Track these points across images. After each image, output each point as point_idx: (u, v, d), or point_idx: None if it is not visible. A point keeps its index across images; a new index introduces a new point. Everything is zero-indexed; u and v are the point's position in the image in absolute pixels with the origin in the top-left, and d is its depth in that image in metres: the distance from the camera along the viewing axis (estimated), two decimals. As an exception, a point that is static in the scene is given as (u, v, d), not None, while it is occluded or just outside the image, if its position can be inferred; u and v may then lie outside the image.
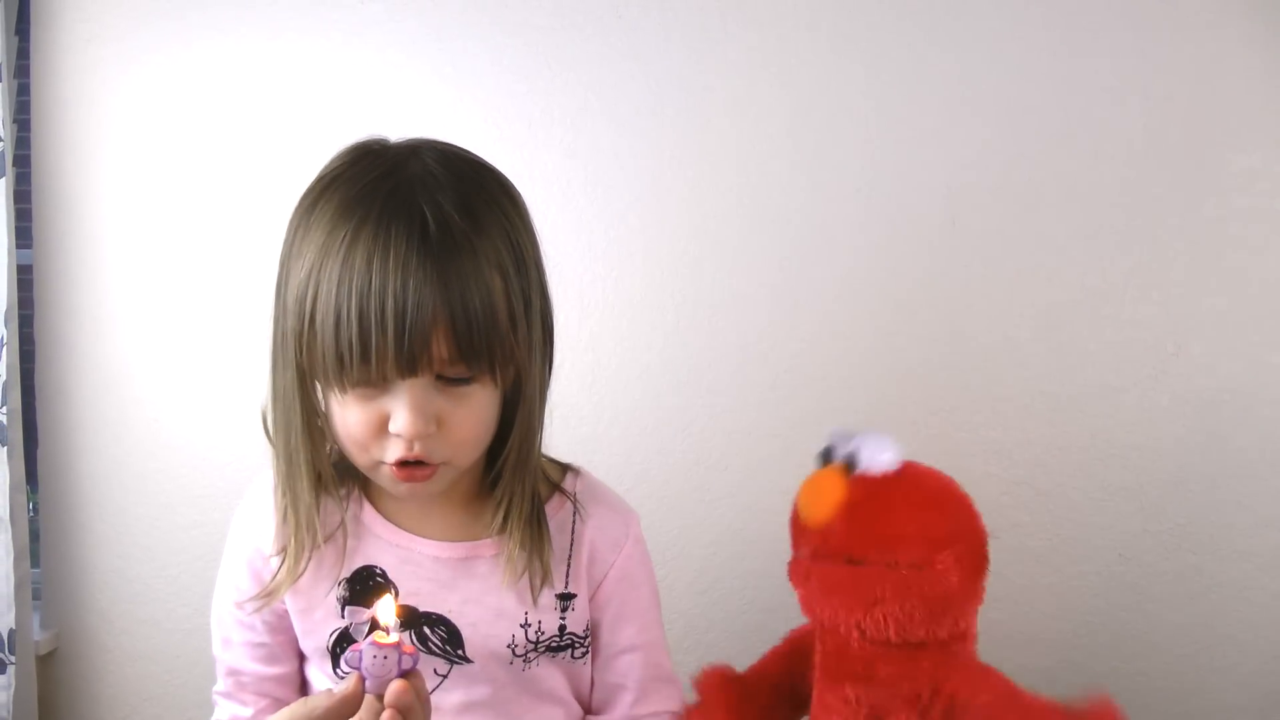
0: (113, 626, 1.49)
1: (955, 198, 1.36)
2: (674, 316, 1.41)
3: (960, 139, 1.36)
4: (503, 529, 0.86)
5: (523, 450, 0.85)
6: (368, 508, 0.89)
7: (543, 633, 0.88)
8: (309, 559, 0.85)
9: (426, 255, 0.75)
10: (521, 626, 0.87)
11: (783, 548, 1.22)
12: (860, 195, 1.38)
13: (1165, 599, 1.36)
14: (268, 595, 0.86)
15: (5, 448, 1.39)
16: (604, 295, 1.41)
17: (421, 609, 0.86)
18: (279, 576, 0.85)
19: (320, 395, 0.82)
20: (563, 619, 0.89)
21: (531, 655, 0.88)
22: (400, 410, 0.77)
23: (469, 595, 0.86)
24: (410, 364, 0.75)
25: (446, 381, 0.78)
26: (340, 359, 0.75)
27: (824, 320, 1.39)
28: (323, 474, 0.85)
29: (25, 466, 1.44)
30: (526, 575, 0.85)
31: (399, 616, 0.71)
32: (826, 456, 1.08)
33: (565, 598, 0.89)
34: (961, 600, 0.98)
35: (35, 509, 1.53)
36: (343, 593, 0.87)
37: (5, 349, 1.39)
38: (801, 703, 1.11)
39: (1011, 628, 1.36)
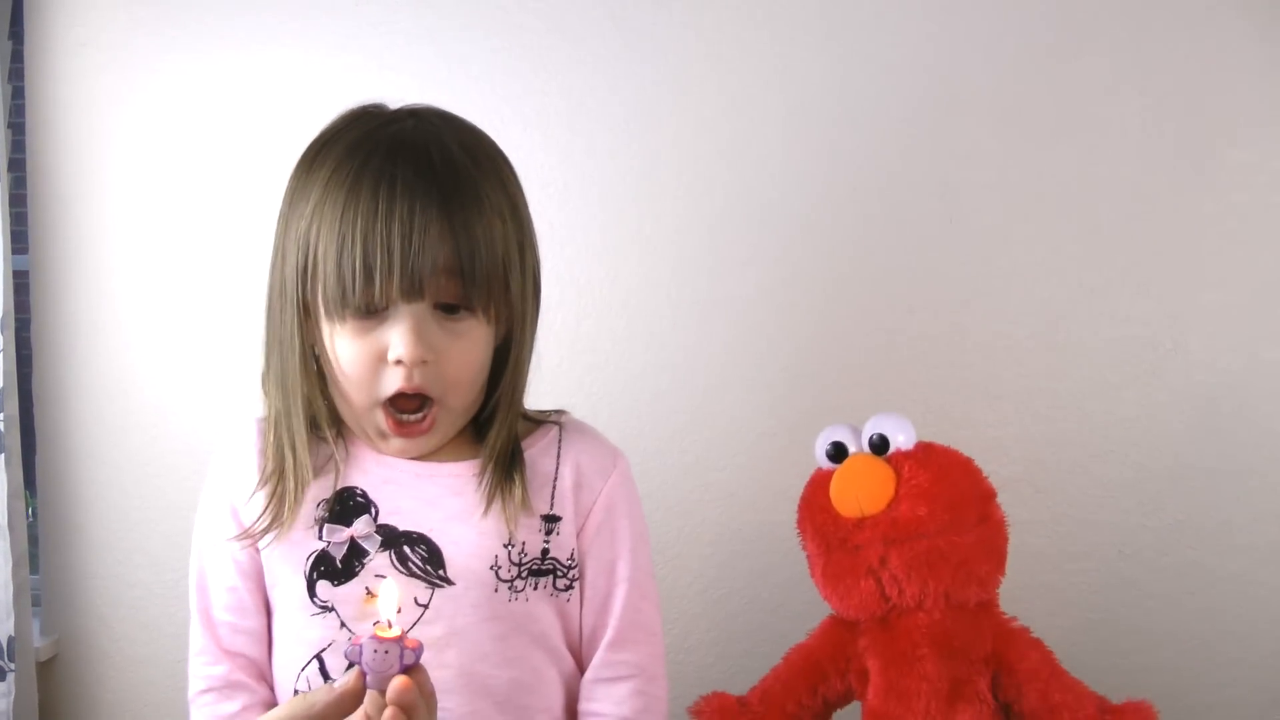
0: (113, 632, 1.49)
1: (952, 195, 1.36)
2: (671, 317, 1.41)
3: (957, 136, 1.36)
4: (486, 458, 0.87)
5: (512, 393, 0.88)
6: (355, 439, 0.89)
7: (525, 554, 0.87)
8: (300, 498, 0.86)
9: (433, 184, 0.78)
10: (505, 546, 0.86)
11: (782, 546, 1.23)
12: (857, 194, 1.37)
13: (1165, 594, 1.36)
14: (259, 534, 0.86)
15: (3, 454, 1.39)
16: (601, 296, 1.41)
17: (402, 528, 0.85)
18: (279, 518, 0.85)
19: (319, 338, 0.83)
20: (546, 542, 0.88)
21: (518, 583, 0.86)
22: (400, 335, 0.78)
23: (451, 513, 0.86)
24: (415, 285, 0.77)
25: (444, 313, 0.80)
26: (342, 282, 0.77)
27: (821, 319, 1.39)
28: (317, 417, 0.87)
29: (24, 473, 1.44)
30: (501, 504, 0.86)
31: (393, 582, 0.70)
32: (841, 450, 1.08)
33: (550, 520, 0.88)
34: (1004, 552, 1.05)
35: (34, 515, 1.53)
36: (321, 513, 0.86)
37: (2, 355, 1.39)
38: (817, 715, 1.11)
39: (1012, 625, 1.36)
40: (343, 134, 0.84)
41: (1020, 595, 1.36)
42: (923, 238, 1.37)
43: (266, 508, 0.86)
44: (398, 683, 0.66)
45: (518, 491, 0.86)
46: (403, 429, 0.83)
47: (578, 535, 0.90)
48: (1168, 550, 1.35)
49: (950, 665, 0.98)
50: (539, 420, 0.94)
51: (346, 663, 0.68)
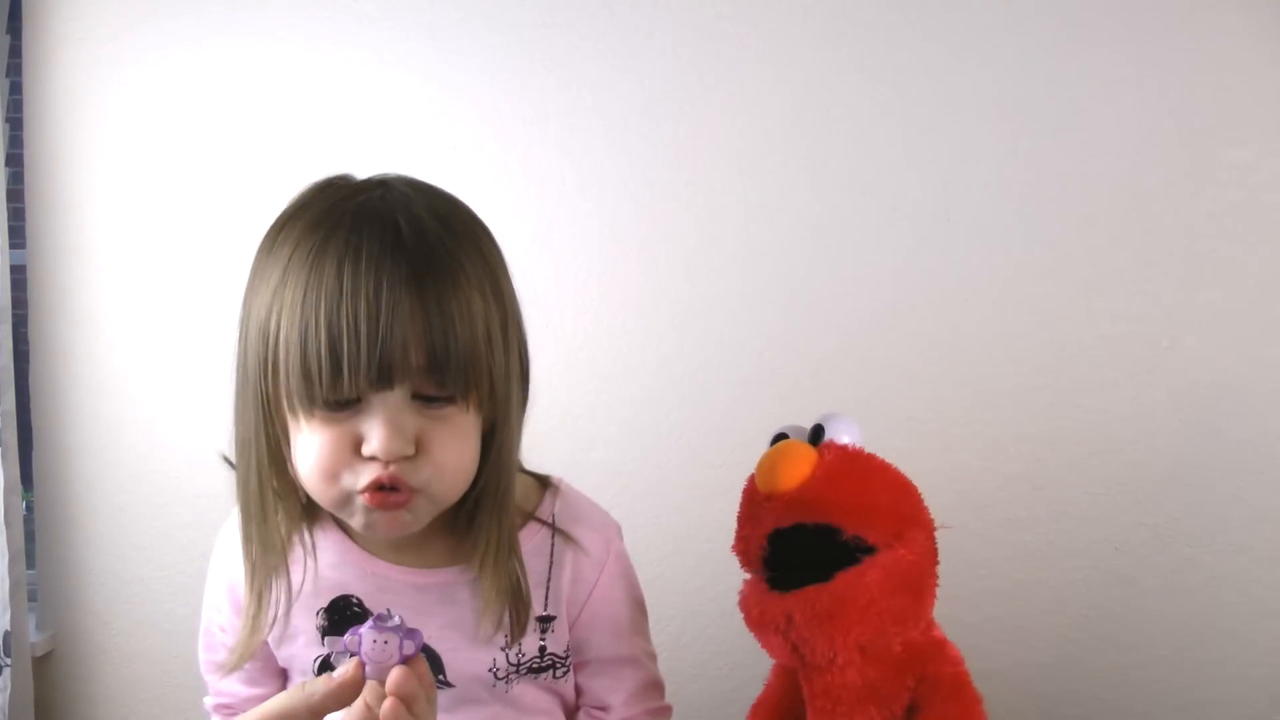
0: (109, 627, 1.49)
1: (950, 193, 1.36)
2: (669, 314, 1.41)
3: (955, 134, 1.36)
4: (480, 562, 0.82)
5: (499, 482, 0.80)
6: (341, 536, 0.86)
7: (523, 654, 0.86)
8: (276, 614, 0.82)
9: (400, 257, 0.71)
10: (502, 650, 0.85)
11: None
12: (855, 191, 1.37)
13: (1161, 593, 1.36)
14: (240, 655, 0.83)
15: (0, 449, 1.39)
16: (599, 293, 1.41)
17: None
18: (249, 636, 0.82)
19: (284, 435, 0.76)
20: (543, 640, 0.87)
21: (513, 677, 0.87)
22: (375, 428, 0.71)
23: (448, 621, 0.84)
24: (385, 374, 0.70)
25: (424, 401, 0.73)
26: (308, 375, 0.70)
27: (819, 316, 1.39)
28: (289, 515, 0.82)
29: (20, 468, 1.43)
30: (498, 620, 0.82)
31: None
32: (781, 440, 1.05)
33: (545, 620, 0.87)
34: (931, 582, 0.94)
35: (30, 510, 1.53)
36: (321, 622, 0.85)
37: (-1, 350, 1.39)
38: None
39: (1008, 623, 1.36)
40: (304, 210, 0.76)
41: (1017, 593, 1.36)
42: (922, 237, 1.37)
43: (248, 629, 0.83)
44: (397, 673, 0.66)
45: (515, 620, 0.82)
46: (380, 499, 0.73)
47: (571, 627, 0.89)
48: (1164, 548, 1.35)
49: (881, 712, 0.94)
50: (528, 514, 0.88)
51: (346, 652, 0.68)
